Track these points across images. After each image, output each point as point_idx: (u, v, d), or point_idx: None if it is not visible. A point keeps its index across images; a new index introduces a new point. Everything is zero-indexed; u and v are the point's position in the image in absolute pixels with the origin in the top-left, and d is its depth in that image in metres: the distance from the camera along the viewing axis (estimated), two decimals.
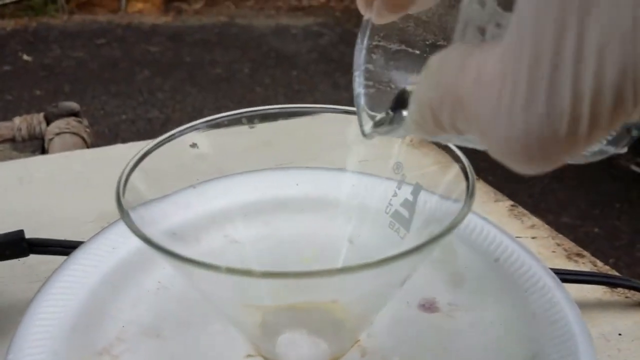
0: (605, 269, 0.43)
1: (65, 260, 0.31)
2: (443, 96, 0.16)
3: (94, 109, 2.31)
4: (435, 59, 0.17)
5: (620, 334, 0.33)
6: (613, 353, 0.30)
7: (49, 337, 0.26)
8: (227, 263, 0.20)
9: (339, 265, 0.31)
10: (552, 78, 0.13)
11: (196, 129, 0.29)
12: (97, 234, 0.33)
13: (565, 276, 0.32)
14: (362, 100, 0.23)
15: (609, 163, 1.99)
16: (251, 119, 0.31)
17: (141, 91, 2.47)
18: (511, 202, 0.51)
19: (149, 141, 0.28)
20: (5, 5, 3.30)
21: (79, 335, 0.27)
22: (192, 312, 0.30)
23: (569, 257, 0.45)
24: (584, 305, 0.34)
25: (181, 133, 0.29)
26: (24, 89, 2.51)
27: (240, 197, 0.32)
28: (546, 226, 0.48)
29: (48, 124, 0.74)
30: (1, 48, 2.91)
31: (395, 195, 0.29)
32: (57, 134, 0.70)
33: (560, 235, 0.47)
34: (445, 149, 0.26)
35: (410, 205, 0.28)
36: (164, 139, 0.28)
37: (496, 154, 0.15)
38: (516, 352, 0.27)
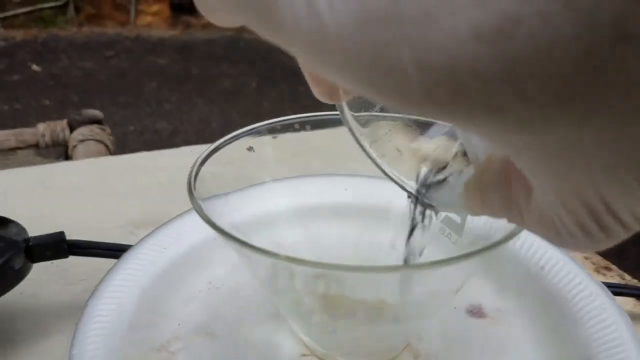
0: (634, 282, 0.44)
1: (118, 261, 0.31)
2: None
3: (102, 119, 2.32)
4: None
5: None
6: None
7: (109, 334, 0.26)
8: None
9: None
10: None
11: (253, 132, 0.30)
12: (148, 235, 0.33)
13: None
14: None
15: None
16: (303, 125, 0.32)
17: (149, 102, 2.49)
18: None
19: (205, 146, 0.29)
20: (16, 15, 3.33)
21: (137, 332, 0.27)
22: (244, 311, 0.30)
23: (597, 271, 0.45)
24: None
25: (239, 136, 0.29)
26: (33, 98, 2.52)
27: (288, 201, 0.32)
28: None
29: (71, 130, 0.75)
30: (11, 57, 2.93)
31: None
32: (81, 140, 0.71)
33: None
34: None
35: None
36: (224, 141, 0.29)
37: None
38: (567, 357, 0.27)
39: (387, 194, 0.33)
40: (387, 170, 0.25)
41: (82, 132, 0.72)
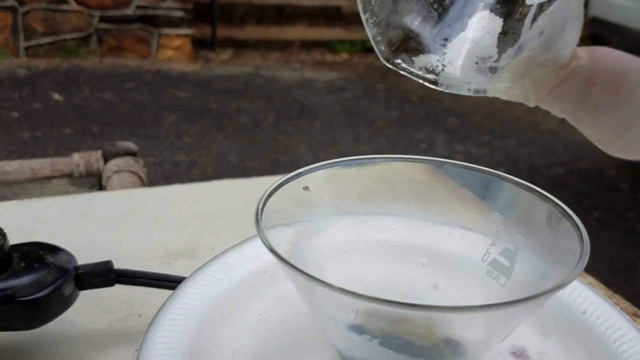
0: None
1: (174, 292, 0.33)
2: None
3: (136, 152, 2.35)
4: None
5: None
6: None
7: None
8: None
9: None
10: None
11: (310, 172, 0.31)
12: (201, 267, 0.35)
13: None
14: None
15: (628, 229, 1.99)
16: (362, 163, 0.33)
17: (168, 135, 2.53)
18: None
19: (269, 178, 0.30)
20: (39, 45, 3.40)
21: (196, 358, 0.28)
22: (294, 343, 0.31)
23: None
24: None
25: (298, 175, 0.31)
26: (54, 128, 2.57)
27: (336, 238, 0.34)
28: (602, 285, 0.50)
29: (105, 161, 0.77)
30: (33, 86, 2.99)
31: (493, 244, 0.31)
32: (116, 172, 0.73)
33: (617, 295, 0.49)
34: (553, 202, 0.28)
35: (511, 254, 0.30)
36: (286, 179, 0.30)
37: None
38: None
39: (429, 234, 0.34)
40: None
41: (117, 163, 0.74)
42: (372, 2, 0.26)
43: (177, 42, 3.54)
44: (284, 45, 3.79)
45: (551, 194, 0.28)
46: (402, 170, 0.34)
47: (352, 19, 4.01)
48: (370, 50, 3.81)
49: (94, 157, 0.76)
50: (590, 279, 0.49)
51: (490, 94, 0.26)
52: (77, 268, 0.40)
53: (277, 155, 2.41)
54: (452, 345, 0.27)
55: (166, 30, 3.52)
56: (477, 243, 0.31)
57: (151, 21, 3.49)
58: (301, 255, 0.31)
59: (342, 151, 2.52)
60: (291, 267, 0.24)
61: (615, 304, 0.48)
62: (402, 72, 0.27)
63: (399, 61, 0.27)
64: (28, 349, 0.41)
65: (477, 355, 0.28)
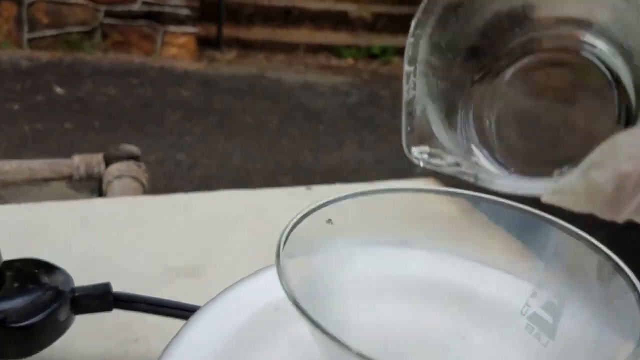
0: None
1: (184, 326, 0.30)
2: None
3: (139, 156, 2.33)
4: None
5: None
6: None
7: None
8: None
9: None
10: None
11: (334, 202, 0.29)
12: (213, 299, 0.32)
13: None
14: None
15: None
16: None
17: (171, 133, 2.50)
18: None
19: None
20: (43, 37, 3.38)
21: None
22: None
23: None
24: None
25: (322, 206, 0.28)
26: (55, 121, 2.54)
27: (360, 274, 0.31)
28: None
29: (107, 165, 0.74)
30: (35, 78, 2.97)
31: (534, 295, 0.28)
32: (117, 176, 0.70)
33: None
34: (604, 254, 0.25)
35: (555, 310, 0.27)
36: (309, 211, 0.27)
37: None
38: None
39: (461, 274, 0.32)
40: None
41: (118, 167, 0.71)
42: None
43: (181, 40, 3.52)
44: (290, 48, 3.77)
45: (607, 242, 0.25)
46: (434, 204, 0.31)
47: (358, 24, 3.99)
48: (375, 56, 3.79)
49: (95, 159, 0.74)
50: None
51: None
52: (73, 290, 0.38)
53: (281, 157, 2.38)
54: None
55: (171, 28, 3.49)
56: (515, 291, 0.28)
57: (157, 18, 3.47)
58: (321, 297, 0.28)
59: (346, 156, 2.50)
60: (314, 325, 0.21)
61: None
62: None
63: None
64: None
65: None
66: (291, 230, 0.26)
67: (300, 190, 0.63)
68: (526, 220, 0.28)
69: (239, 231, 0.54)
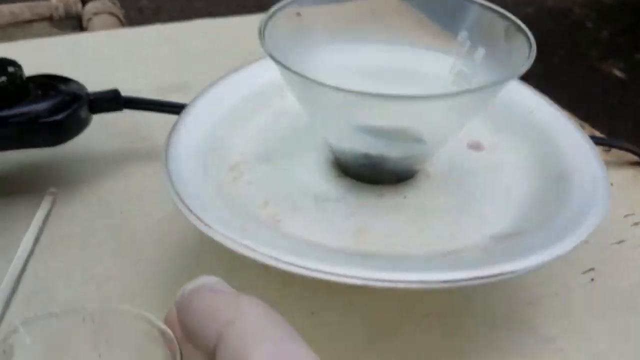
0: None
1: (185, 110, 0.38)
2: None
3: None
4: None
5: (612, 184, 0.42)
6: None
7: (194, 156, 0.34)
8: None
9: None
10: None
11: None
12: (201, 93, 0.39)
13: None
14: None
15: (591, 67, 2.07)
16: None
17: None
18: None
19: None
20: None
21: (215, 155, 0.35)
22: (292, 145, 0.38)
23: None
24: None
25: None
26: None
27: (321, 57, 0.39)
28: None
29: (83, 4, 0.78)
30: None
31: (459, 58, 0.37)
32: (95, 13, 0.75)
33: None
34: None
35: (473, 65, 0.36)
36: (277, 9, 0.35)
37: None
38: (546, 171, 0.36)
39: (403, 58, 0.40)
40: None
41: (95, 5, 0.76)
42: None
43: None
44: None
45: None
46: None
47: None
48: None
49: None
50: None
51: None
52: (88, 94, 0.45)
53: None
54: (415, 132, 0.33)
55: None
56: (446, 60, 0.37)
57: None
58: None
59: None
60: (296, 75, 0.30)
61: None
62: None
63: None
64: (49, 165, 0.47)
65: (436, 143, 0.35)
66: (268, 19, 0.34)
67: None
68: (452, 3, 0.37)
69: (223, 54, 0.57)
